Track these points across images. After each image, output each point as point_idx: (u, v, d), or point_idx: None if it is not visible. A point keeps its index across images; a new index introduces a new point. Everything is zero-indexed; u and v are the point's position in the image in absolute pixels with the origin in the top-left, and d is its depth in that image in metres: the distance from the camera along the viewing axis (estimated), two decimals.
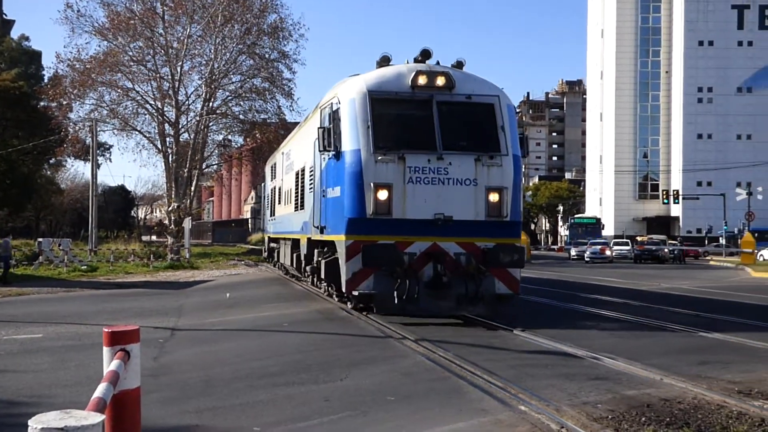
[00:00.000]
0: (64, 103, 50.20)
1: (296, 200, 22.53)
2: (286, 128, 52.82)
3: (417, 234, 14.36)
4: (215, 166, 63.75)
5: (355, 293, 14.58)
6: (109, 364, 3.89)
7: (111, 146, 76.28)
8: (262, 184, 40.81)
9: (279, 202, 29.54)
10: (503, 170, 14.88)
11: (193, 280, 30.40)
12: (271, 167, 35.34)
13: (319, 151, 16.19)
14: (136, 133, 50.70)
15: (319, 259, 17.75)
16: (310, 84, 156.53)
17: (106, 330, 4.17)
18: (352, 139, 14.61)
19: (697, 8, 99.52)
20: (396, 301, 13.64)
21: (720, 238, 68.89)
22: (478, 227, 14.65)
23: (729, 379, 9.53)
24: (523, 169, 16.64)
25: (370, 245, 13.97)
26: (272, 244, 35.41)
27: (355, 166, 14.39)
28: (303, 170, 21.15)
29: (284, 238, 27.86)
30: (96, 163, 50.18)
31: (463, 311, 14.70)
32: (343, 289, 15.01)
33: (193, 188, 52.03)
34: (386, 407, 8.16)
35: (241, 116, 53.69)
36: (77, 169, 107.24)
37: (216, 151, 59.24)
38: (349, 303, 16.49)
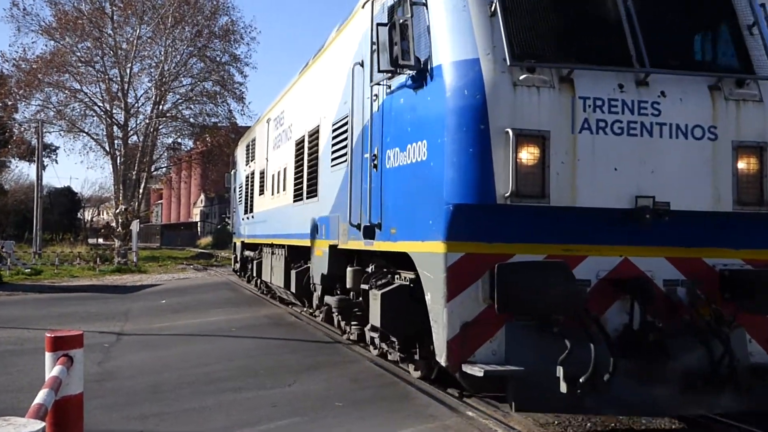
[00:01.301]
0: (9, 103, 49.21)
1: (298, 184, 14.83)
2: (237, 132, 52.55)
3: (591, 238, 7.52)
4: (164, 169, 62.93)
5: (471, 370, 7.03)
6: (51, 369, 3.84)
7: (57, 148, 74.74)
8: (231, 173, 32.23)
9: (261, 193, 21.10)
10: (765, 109, 7.93)
11: (140, 284, 29.99)
12: (246, 147, 25.98)
13: (374, 79, 9.21)
14: (84, 135, 49.71)
15: (365, 287, 10.01)
16: (261, 88, 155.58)
17: (49, 335, 4.11)
18: (458, 40, 7.71)
19: None
20: (565, 390, 6.74)
21: None
22: (716, 227, 7.72)
23: None
24: None
25: (509, 265, 7.16)
26: (248, 253, 25.05)
27: (469, 94, 7.43)
28: (315, 134, 13.39)
29: (271, 245, 18.90)
30: (41, 164, 49.23)
31: (698, 407, 7.54)
32: (441, 359, 7.47)
33: (141, 191, 51.34)
34: (334, 413, 8.15)
35: (191, 119, 52.99)
36: (22, 170, 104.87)
37: (165, 154, 58.43)
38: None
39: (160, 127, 51.91)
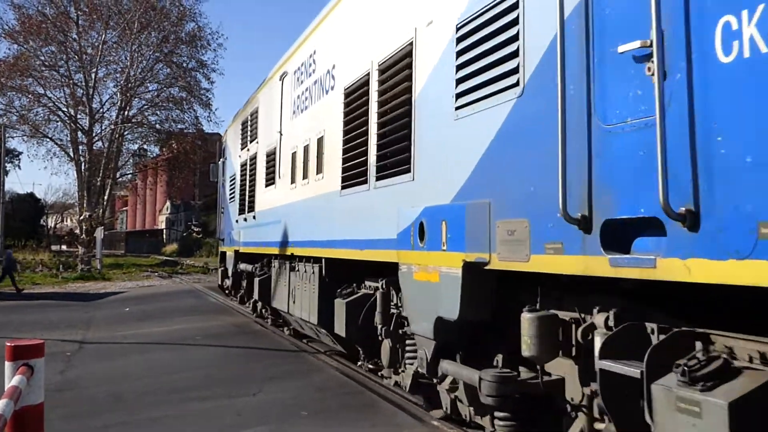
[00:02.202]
0: None
1: (357, 157, 9.44)
2: (203, 138, 52.68)
3: None
4: (130, 176, 62.44)
5: None
6: (11, 379, 3.80)
7: (20, 153, 73.97)
8: (218, 163, 25.63)
9: (269, 183, 15.42)
10: None
11: (104, 292, 29.69)
12: (242, 126, 19.91)
13: None
14: (48, 140, 49.18)
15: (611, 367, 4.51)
16: (227, 95, 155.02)
17: (9, 344, 4.07)
18: None
19: None
20: None
21: None
22: None
23: None
24: None
25: None
26: (243, 266, 19.41)
27: None
28: (404, 58, 8.07)
29: (289, 257, 13.51)
30: (4, 169, 48.47)
31: None
32: None
33: (106, 197, 50.81)
34: (299, 422, 8.12)
35: (157, 126, 52.62)
36: None
37: (131, 161, 58.10)
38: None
39: (126, 133, 51.54)
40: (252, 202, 17.55)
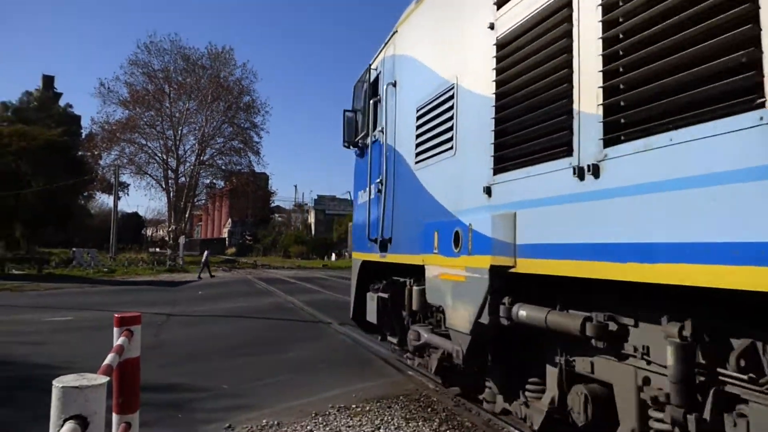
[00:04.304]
0: (95, 153, 48.50)
1: None
2: (254, 175, 53.17)
3: None
4: (203, 201, 62.32)
5: None
6: (117, 340, 3.76)
7: (128, 185, 73.12)
8: (371, 104, 7.39)
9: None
10: None
11: (185, 280, 29.48)
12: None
13: None
14: (147, 176, 49.20)
15: None
16: (271, 145, 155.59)
17: (116, 315, 4.02)
18: None
19: None
20: None
21: None
22: None
23: None
24: None
25: None
26: (432, 294, 5.35)
27: None
28: None
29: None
30: (117, 196, 48.38)
31: None
32: None
33: (187, 215, 50.84)
34: (317, 371, 8.04)
35: (222, 167, 52.99)
36: (103, 201, 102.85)
37: (204, 190, 58.17)
38: None
39: (201, 171, 51.71)
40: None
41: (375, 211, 7.12)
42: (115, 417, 3.72)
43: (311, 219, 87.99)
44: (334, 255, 67.31)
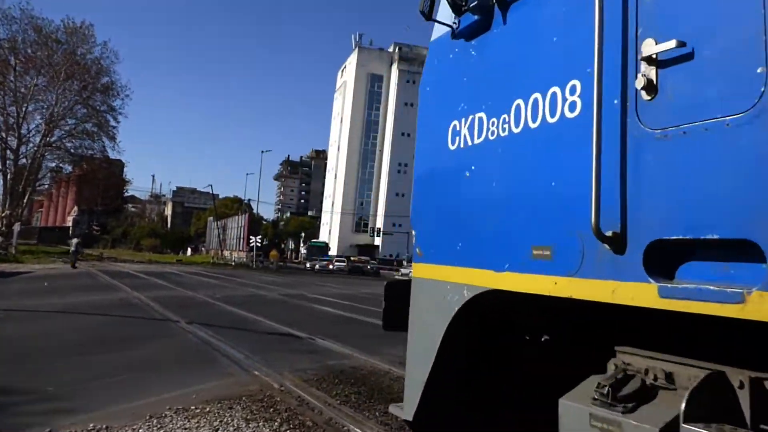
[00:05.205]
0: None
1: None
2: (108, 162, 50.10)
3: None
4: (47, 186, 57.24)
5: None
6: None
7: None
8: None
9: None
10: None
11: (16, 271, 26.78)
12: None
13: None
14: None
15: None
16: (129, 131, 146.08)
17: None
18: None
19: (402, 110, 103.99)
20: None
21: (404, 261, 71.76)
22: None
23: (395, 353, 9.45)
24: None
25: None
26: None
27: None
28: None
29: None
30: None
31: None
32: None
33: (25, 201, 46.31)
34: (160, 370, 7.71)
35: (72, 150, 49.08)
36: None
37: (48, 174, 53.37)
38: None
39: (47, 154, 47.52)
40: None
41: (571, 162, 2.60)
42: None
43: (168, 211, 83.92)
44: (189, 249, 64.67)
